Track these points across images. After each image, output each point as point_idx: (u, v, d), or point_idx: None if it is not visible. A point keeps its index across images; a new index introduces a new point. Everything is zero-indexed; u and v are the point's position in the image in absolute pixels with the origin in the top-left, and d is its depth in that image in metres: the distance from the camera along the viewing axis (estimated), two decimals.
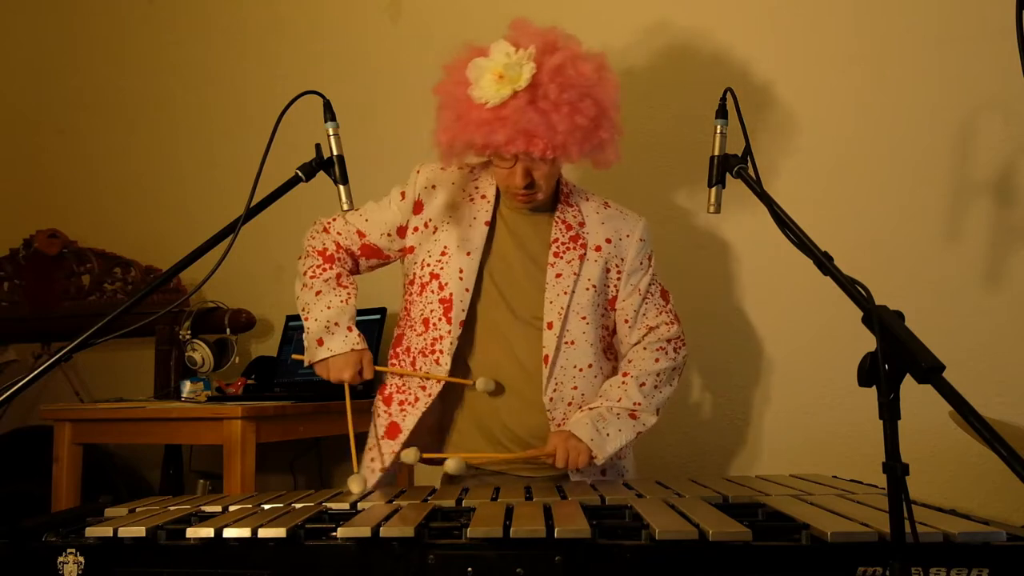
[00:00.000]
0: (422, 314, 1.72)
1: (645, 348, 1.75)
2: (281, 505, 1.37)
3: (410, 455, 1.64)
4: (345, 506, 1.34)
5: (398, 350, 1.79)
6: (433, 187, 1.77)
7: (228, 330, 2.81)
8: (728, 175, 1.45)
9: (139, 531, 1.19)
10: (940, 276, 2.10)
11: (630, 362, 1.75)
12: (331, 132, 1.50)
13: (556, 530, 1.09)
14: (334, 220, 1.81)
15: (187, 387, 2.60)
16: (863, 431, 2.15)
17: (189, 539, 1.18)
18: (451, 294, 1.69)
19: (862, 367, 0.97)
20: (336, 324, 1.67)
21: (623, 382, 1.71)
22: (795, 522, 1.14)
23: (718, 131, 1.48)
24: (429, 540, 1.14)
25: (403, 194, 1.79)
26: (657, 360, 1.73)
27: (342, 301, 1.69)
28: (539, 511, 1.21)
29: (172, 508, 1.38)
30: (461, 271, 1.70)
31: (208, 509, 1.35)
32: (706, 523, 1.10)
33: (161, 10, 3.32)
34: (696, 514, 1.16)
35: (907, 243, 2.14)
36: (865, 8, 2.22)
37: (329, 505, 1.35)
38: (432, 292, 1.71)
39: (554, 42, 1.60)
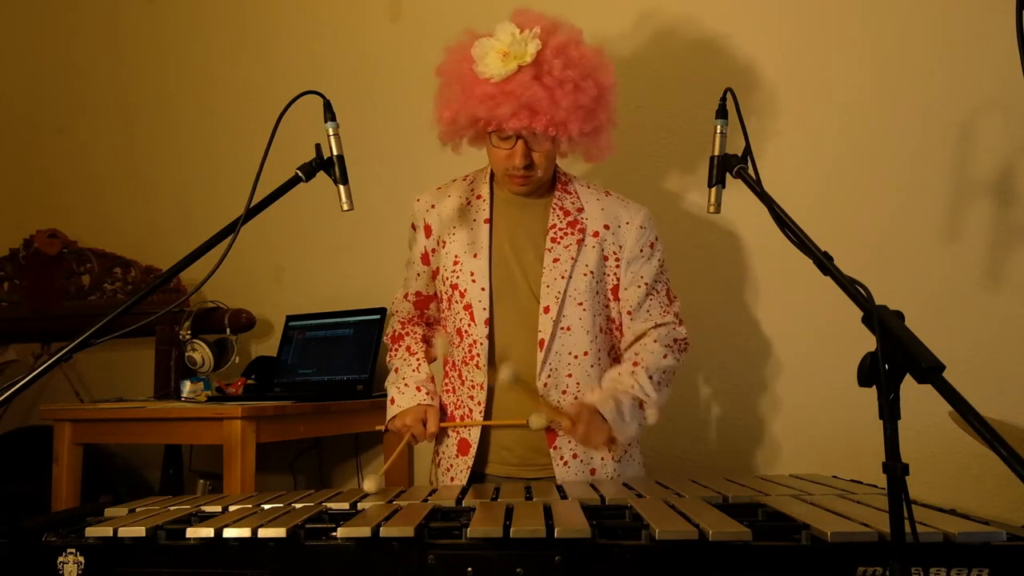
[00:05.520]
0: (455, 325, 1.76)
1: (656, 341, 1.72)
2: (281, 505, 1.37)
3: (506, 372, 1.60)
4: (345, 506, 1.34)
5: (447, 368, 1.83)
6: (433, 207, 1.81)
7: (228, 330, 2.81)
8: (728, 175, 1.45)
9: (139, 531, 1.19)
10: (940, 276, 2.10)
11: (637, 354, 1.71)
12: (331, 132, 1.50)
13: (556, 530, 1.09)
14: (394, 299, 1.95)
15: (187, 387, 2.60)
16: (863, 431, 2.15)
17: (189, 539, 1.18)
18: (471, 298, 1.72)
19: (862, 367, 0.96)
20: (406, 384, 1.78)
21: (633, 371, 1.68)
22: (795, 522, 1.14)
23: (718, 131, 1.48)
24: (429, 540, 1.14)
25: (413, 226, 1.85)
26: (665, 356, 1.71)
27: (413, 369, 1.81)
28: (539, 511, 1.21)
29: (172, 508, 1.38)
30: (473, 274, 1.73)
31: (208, 509, 1.35)
32: (706, 523, 1.10)
33: (161, 10, 3.32)
34: (696, 514, 1.16)
35: (907, 243, 2.14)
36: (866, 8, 2.22)
37: (329, 505, 1.35)
38: (456, 302, 1.75)
39: (557, 24, 1.64)
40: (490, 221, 1.76)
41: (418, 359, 1.83)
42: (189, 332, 2.77)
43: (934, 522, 1.13)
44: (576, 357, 1.71)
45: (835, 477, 1.67)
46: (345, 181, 1.49)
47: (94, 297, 3.12)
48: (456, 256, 1.76)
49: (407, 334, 1.89)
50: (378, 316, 2.68)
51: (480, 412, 1.72)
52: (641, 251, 1.75)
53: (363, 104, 2.81)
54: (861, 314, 1.04)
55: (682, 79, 2.40)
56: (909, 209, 2.15)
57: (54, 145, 3.50)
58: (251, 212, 1.41)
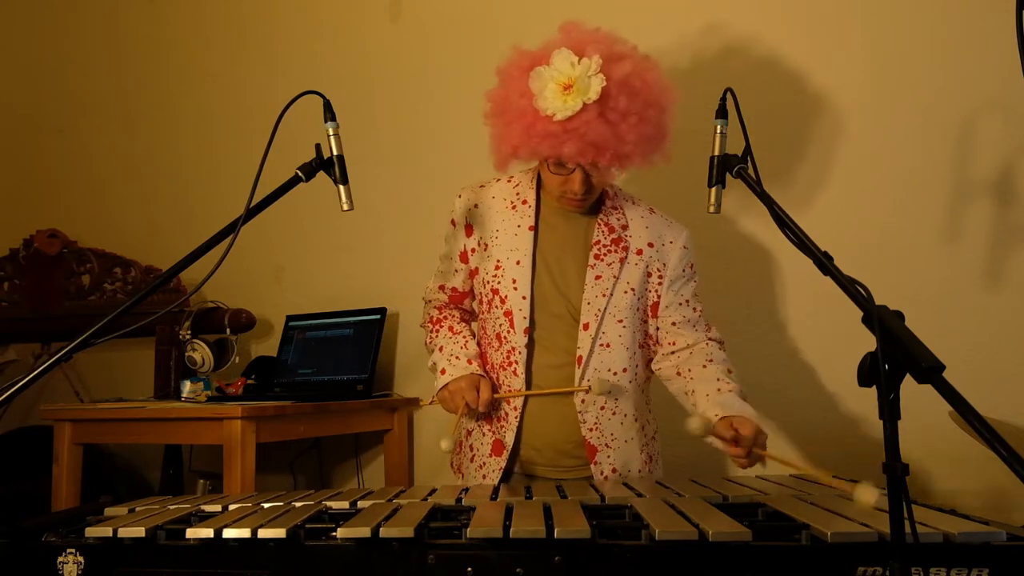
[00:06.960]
0: (495, 329, 1.75)
1: (720, 349, 1.75)
2: (281, 505, 1.37)
3: (697, 424, 1.52)
4: (345, 506, 1.34)
5: (486, 368, 1.81)
6: (476, 206, 1.79)
7: (228, 330, 2.81)
8: (728, 175, 1.45)
9: (139, 531, 1.19)
10: (940, 276, 2.10)
11: (711, 360, 1.71)
12: (331, 132, 1.50)
13: (556, 530, 1.09)
14: (427, 288, 1.91)
15: (187, 387, 2.60)
16: (863, 431, 2.15)
17: (189, 539, 1.18)
18: (511, 305, 1.71)
19: (862, 367, 0.96)
20: (456, 358, 1.75)
21: (730, 372, 1.69)
22: (795, 522, 1.14)
23: (718, 131, 1.48)
24: (429, 540, 1.14)
25: (453, 222, 1.83)
26: (725, 360, 1.74)
27: (461, 346, 1.78)
28: (539, 511, 1.21)
29: (172, 508, 1.37)
30: (515, 281, 1.72)
31: (208, 509, 1.35)
32: (706, 523, 1.10)
33: (161, 10, 3.32)
34: (696, 514, 1.16)
35: (907, 243, 2.15)
36: (866, 8, 2.22)
37: (329, 505, 1.35)
38: (496, 307, 1.74)
39: (616, 50, 1.60)
40: (535, 229, 1.75)
41: (464, 337, 1.80)
42: (189, 332, 2.77)
43: (934, 522, 1.12)
44: (615, 374, 1.71)
45: (835, 477, 1.67)
46: (345, 181, 1.49)
47: (94, 297, 3.13)
48: (498, 261, 1.74)
49: (445, 318, 1.86)
50: (378, 316, 2.68)
51: (516, 416, 1.71)
52: (683, 271, 1.78)
53: (363, 104, 2.81)
54: (861, 314, 1.04)
55: (680, 79, 2.40)
56: (909, 209, 2.15)
57: (54, 145, 3.50)
58: (251, 212, 1.41)
